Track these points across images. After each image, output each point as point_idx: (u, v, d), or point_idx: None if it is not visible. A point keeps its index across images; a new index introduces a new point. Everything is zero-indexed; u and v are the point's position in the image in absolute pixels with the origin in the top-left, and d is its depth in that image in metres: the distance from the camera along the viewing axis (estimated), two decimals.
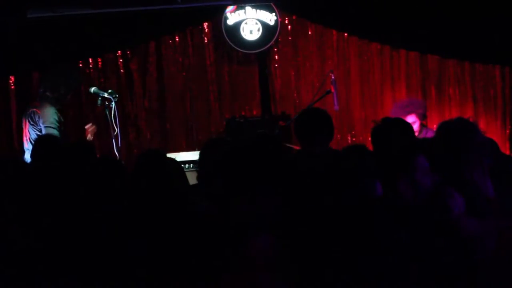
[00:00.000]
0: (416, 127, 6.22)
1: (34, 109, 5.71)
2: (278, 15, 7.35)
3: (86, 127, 5.86)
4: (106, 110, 5.53)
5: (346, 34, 7.53)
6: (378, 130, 4.00)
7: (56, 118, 5.61)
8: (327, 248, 2.69)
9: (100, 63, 7.41)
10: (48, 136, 5.32)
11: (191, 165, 6.03)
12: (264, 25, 7.36)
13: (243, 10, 7.37)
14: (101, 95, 5.59)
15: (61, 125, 5.69)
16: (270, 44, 7.42)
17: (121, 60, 7.43)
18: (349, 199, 2.87)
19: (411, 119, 6.19)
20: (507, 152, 7.04)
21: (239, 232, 2.82)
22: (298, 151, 4.48)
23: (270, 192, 3.34)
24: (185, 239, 2.89)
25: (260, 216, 3.05)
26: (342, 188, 2.91)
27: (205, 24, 7.48)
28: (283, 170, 3.60)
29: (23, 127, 5.78)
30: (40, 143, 4.71)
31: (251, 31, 7.37)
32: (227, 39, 7.37)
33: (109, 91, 5.63)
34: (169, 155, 6.14)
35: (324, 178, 3.02)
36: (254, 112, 7.61)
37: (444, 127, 3.99)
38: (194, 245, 2.85)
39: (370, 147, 3.98)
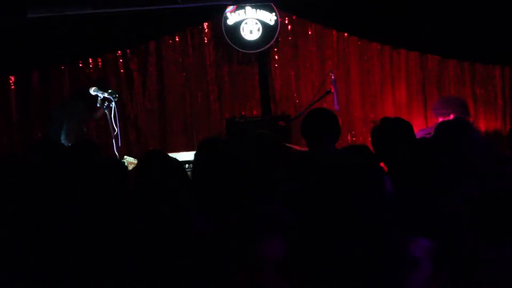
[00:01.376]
0: None
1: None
2: (278, 15, 7.35)
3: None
4: (106, 110, 5.53)
5: (346, 34, 7.53)
6: (378, 130, 3.99)
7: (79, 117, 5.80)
8: (336, 250, 2.67)
9: (100, 63, 7.41)
10: (45, 139, 5.37)
11: (191, 165, 6.02)
12: (264, 25, 7.36)
13: (243, 10, 7.37)
14: (101, 95, 5.60)
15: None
16: (270, 44, 7.42)
17: (121, 60, 7.43)
18: (362, 197, 2.83)
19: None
20: (507, 152, 7.03)
21: (247, 236, 2.80)
22: (304, 151, 4.47)
23: (273, 194, 3.32)
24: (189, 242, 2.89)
25: (266, 219, 3.03)
26: (352, 187, 2.87)
27: (205, 24, 7.48)
28: (285, 170, 3.59)
29: None
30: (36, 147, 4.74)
31: (251, 31, 7.37)
32: (227, 39, 7.37)
33: (109, 91, 5.63)
34: (169, 155, 6.14)
35: (333, 177, 3.00)
36: (254, 112, 7.61)
37: (441, 127, 3.99)
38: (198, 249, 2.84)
39: (370, 147, 3.98)
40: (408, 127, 4.01)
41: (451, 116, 6.12)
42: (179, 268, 2.84)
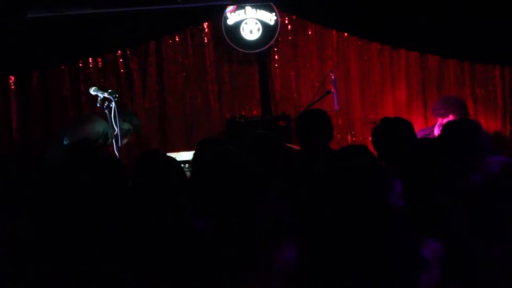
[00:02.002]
0: None
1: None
2: (278, 15, 7.35)
3: None
4: (106, 110, 5.51)
5: (346, 34, 7.53)
6: (378, 130, 3.99)
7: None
8: (343, 254, 2.64)
9: (100, 63, 7.41)
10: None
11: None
12: (264, 25, 7.36)
13: (243, 10, 7.37)
14: (101, 95, 5.59)
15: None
16: (270, 44, 7.42)
17: (121, 60, 7.43)
18: (372, 197, 2.81)
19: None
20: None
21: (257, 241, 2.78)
22: (298, 151, 4.48)
23: (273, 197, 3.31)
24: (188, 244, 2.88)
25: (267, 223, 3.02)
26: (360, 187, 2.85)
27: (205, 24, 7.48)
28: (285, 171, 3.58)
29: None
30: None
31: (251, 31, 7.37)
32: (227, 39, 7.37)
33: (109, 91, 5.62)
34: (169, 155, 6.12)
35: (336, 178, 2.97)
36: (254, 112, 7.61)
37: (448, 127, 3.99)
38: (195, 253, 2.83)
39: (370, 147, 3.97)
40: (409, 126, 4.02)
41: (450, 117, 6.13)
42: (178, 269, 2.84)
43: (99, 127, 5.81)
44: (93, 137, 5.68)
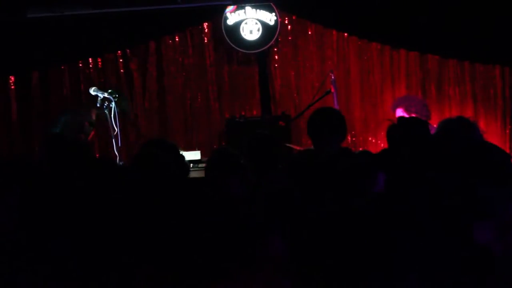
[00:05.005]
0: None
1: None
2: (278, 15, 7.35)
3: None
4: (106, 110, 5.52)
5: (346, 34, 7.52)
6: (394, 128, 3.96)
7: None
8: (333, 252, 2.65)
9: (100, 63, 7.41)
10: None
11: (191, 165, 6.02)
12: (264, 25, 7.36)
13: (243, 10, 7.37)
14: (101, 95, 5.59)
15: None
16: (270, 44, 7.42)
17: (121, 60, 7.43)
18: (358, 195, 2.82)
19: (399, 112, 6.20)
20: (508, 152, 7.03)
21: (252, 234, 2.78)
22: (310, 150, 4.46)
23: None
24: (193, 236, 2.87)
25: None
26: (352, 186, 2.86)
27: (205, 24, 7.49)
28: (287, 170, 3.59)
29: None
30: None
31: (251, 31, 7.37)
32: (227, 39, 7.37)
33: (109, 91, 5.63)
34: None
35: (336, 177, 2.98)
36: (254, 112, 7.61)
37: (444, 125, 3.99)
38: (201, 243, 2.82)
39: (370, 147, 3.97)
40: (424, 125, 3.99)
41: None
42: (181, 266, 2.83)
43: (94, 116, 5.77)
44: (87, 130, 5.60)
